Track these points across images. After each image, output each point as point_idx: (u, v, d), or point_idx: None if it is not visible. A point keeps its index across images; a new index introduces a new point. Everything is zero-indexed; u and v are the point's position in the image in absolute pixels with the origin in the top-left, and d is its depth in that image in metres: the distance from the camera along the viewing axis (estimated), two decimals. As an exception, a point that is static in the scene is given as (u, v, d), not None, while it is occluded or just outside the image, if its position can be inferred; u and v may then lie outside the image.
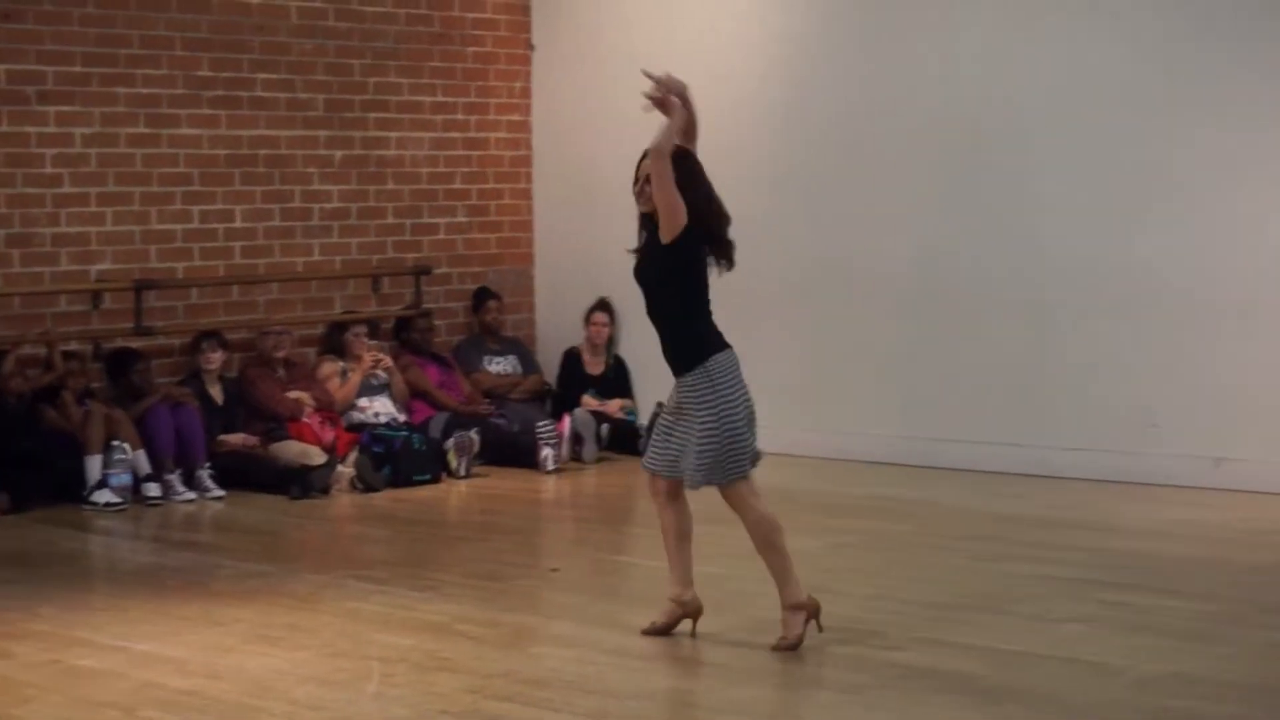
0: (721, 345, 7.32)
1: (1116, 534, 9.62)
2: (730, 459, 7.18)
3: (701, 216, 7.40)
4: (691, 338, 7.32)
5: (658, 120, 13.40)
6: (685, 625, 7.46)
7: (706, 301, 7.47)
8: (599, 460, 12.32)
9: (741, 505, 7.31)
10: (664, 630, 7.42)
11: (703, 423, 7.16)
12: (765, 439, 12.67)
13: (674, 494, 7.38)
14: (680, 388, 7.29)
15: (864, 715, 6.37)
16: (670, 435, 7.30)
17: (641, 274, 7.56)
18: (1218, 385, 10.76)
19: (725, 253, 7.57)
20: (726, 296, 12.68)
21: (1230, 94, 10.66)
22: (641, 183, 7.49)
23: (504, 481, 11.72)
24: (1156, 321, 10.94)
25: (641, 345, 13.13)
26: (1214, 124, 10.70)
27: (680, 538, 7.43)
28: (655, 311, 7.47)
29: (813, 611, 7.27)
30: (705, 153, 13.05)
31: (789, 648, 7.15)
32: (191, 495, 10.99)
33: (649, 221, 7.53)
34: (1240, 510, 10.13)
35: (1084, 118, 11.17)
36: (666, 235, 7.37)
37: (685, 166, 7.44)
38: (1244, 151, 10.61)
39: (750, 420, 7.27)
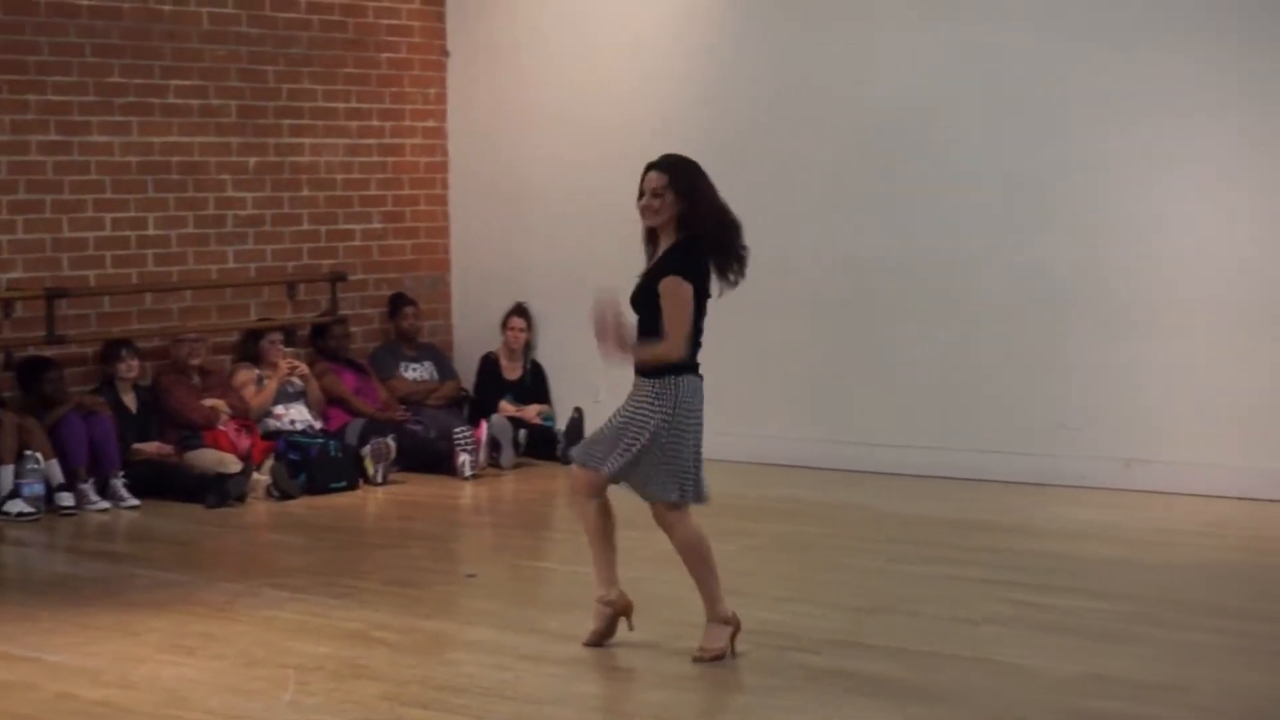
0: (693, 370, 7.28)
1: (1031, 535, 9.68)
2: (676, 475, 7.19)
3: (713, 239, 7.30)
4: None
5: (578, 125, 13.43)
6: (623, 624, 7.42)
7: (698, 335, 7.36)
8: (516, 466, 12.29)
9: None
10: (604, 636, 7.33)
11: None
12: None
13: (597, 492, 7.31)
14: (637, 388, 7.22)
15: (779, 718, 6.38)
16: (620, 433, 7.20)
17: (638, 305, 7.35)
18: (1129, 387, 10.86)
19: (736, 266, 7.43)
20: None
21: (1143, 98, 10.75)
22: (648, 196, 7.28)
23: (421, 488, 11.67)
24: (1071, 324, 11.02)
25: (559, 350, 13.17)
26: (1128, 127, 10.80)
27: (605, 537, 7.37)
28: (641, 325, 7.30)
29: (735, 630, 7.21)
30: (622, 156, 13.10)
31: (711, 659, 7.12)
32: (105, 504, 10.87)
33: (655, 237, 7.38)
34: (1151, 511, 10.24)
35: (1001, 121, 11.25)
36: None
37: (694, 184, 7.38)
38: (1158, 154, 10.71)
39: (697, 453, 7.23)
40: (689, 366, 7.24)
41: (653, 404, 7.12)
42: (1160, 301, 10.76)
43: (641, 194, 7.32)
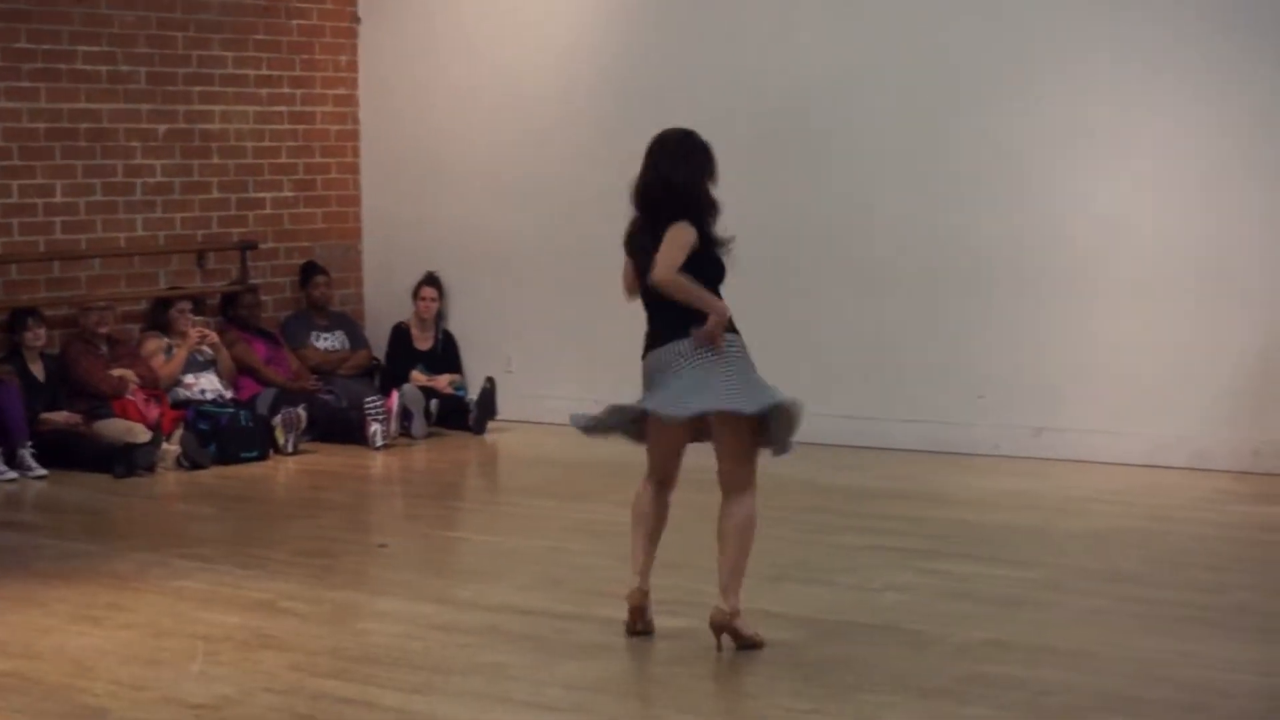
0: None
1: (941, 504, 9.77)
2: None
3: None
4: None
5: (489, 94, 13.41)
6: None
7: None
8: (428, 436, 12.28)
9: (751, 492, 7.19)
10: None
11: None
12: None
13: (670, 484, 7.29)
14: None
15: (690, 685, 6.42)
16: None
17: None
18: (1040, 356, 10.96)
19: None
20: (562, 270, 12.77)
21: (1060, 68, 10.83)
22: None
23: (332, 458, 11.65)
24: (985, 295, 11.10)
25: (470, 320, 13.17)
26: (1043, 98, 10.87)
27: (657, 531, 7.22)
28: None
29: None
30: (532, 127, 13.10)
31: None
32: (13, 474, 10.79)
33: None
34: (1059, 479, 10.34)
35: (920, 93, 11.30)
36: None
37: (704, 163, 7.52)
38: (1071, 126, 10.79)
39: None
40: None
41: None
42: (1071, 273, 10.85)
43: None
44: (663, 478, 7.32)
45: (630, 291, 7.38)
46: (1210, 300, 10.36)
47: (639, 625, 7.04)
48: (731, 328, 7.20)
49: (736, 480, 7.13)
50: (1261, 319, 9.93)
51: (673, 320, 7.19)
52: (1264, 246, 10.14)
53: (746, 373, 7.05)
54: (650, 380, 7.25)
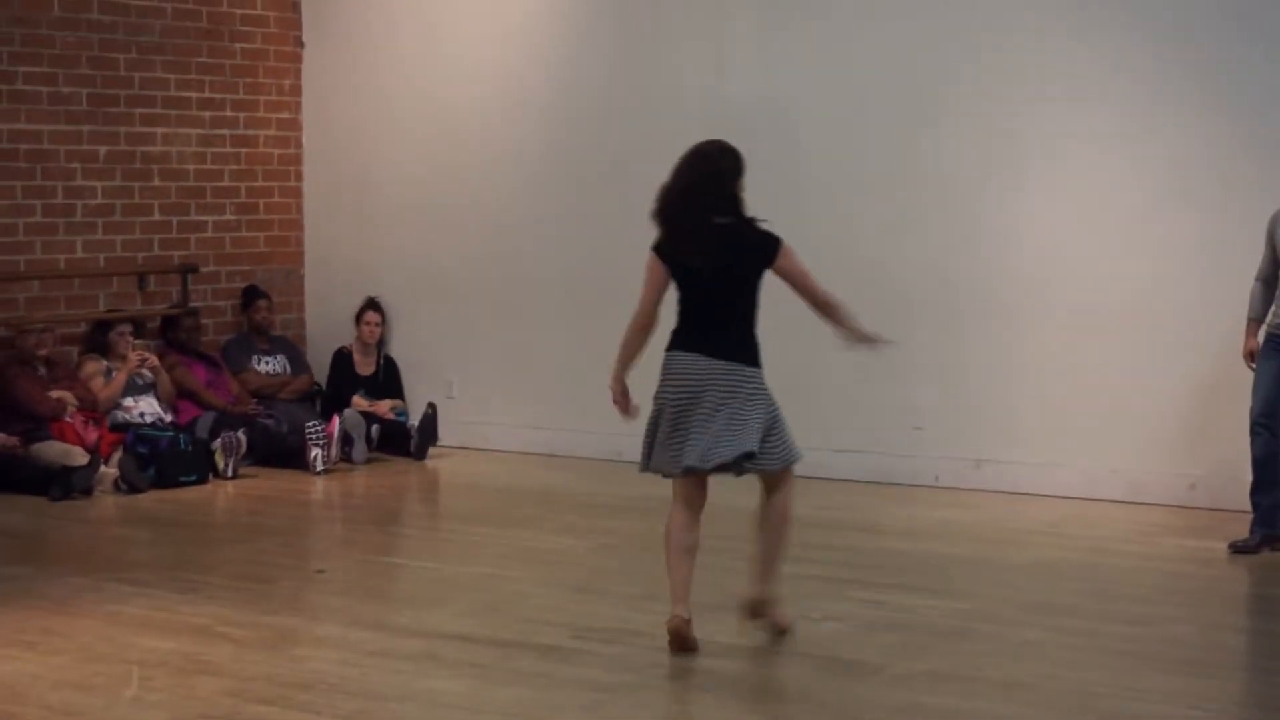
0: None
1: (880, 534, 9.80)
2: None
3: None
4: (755, 338, 7.46)
5: (432, 119, 13.41)
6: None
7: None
8: (369, 461, 12.25)
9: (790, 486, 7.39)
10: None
11: (771, 406, 7.26)
12: (537, 440, 12.75)
13: (701, 506, 7.32)
14: (743, 379, 7.29)
15: (627, 714, 6.42)
16: (743, 421, 7.17)
17: (735, 270, 7.51)
18: (979, 389, 11.01)
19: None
20: (504, 296, 12.76)
21: (994, 101, 10.90)
22: None
23: (272, 482, 11.60)
24: (924, 326, 11.13)
25: (412, 345, 13.15)
26: (979, 127, 10.94)
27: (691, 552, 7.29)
28: (736, 309, 7.50)
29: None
30: (476, 152, 13.11)
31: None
32: (-52, 497, 10.73)
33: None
34: (998, 511, 10.39)
35: (850, 121, 11.36)
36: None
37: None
38: (1008, 159, 10.86)
39: None
40: (673, 341, 7.45)
41: (761, 391, 7.38)
42: (1010, 306, 10.91)
43: None
44: (693, 501, 7.30)
45: (652, 310, 7.64)
46: (1148, 334, 10.43)
47: (685, 646, 7.09)
48: (757, 361, 7.40)
49: (778, 479, 7.37)
50: (1198, 353, 10.00)
51: (734, 337, 7.40)
52: (1201, 280, 10.22)
53: (776, 414, 7.31)
54: (686, 390, 7.32)
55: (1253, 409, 9.07)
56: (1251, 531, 9.07)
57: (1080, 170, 10.66)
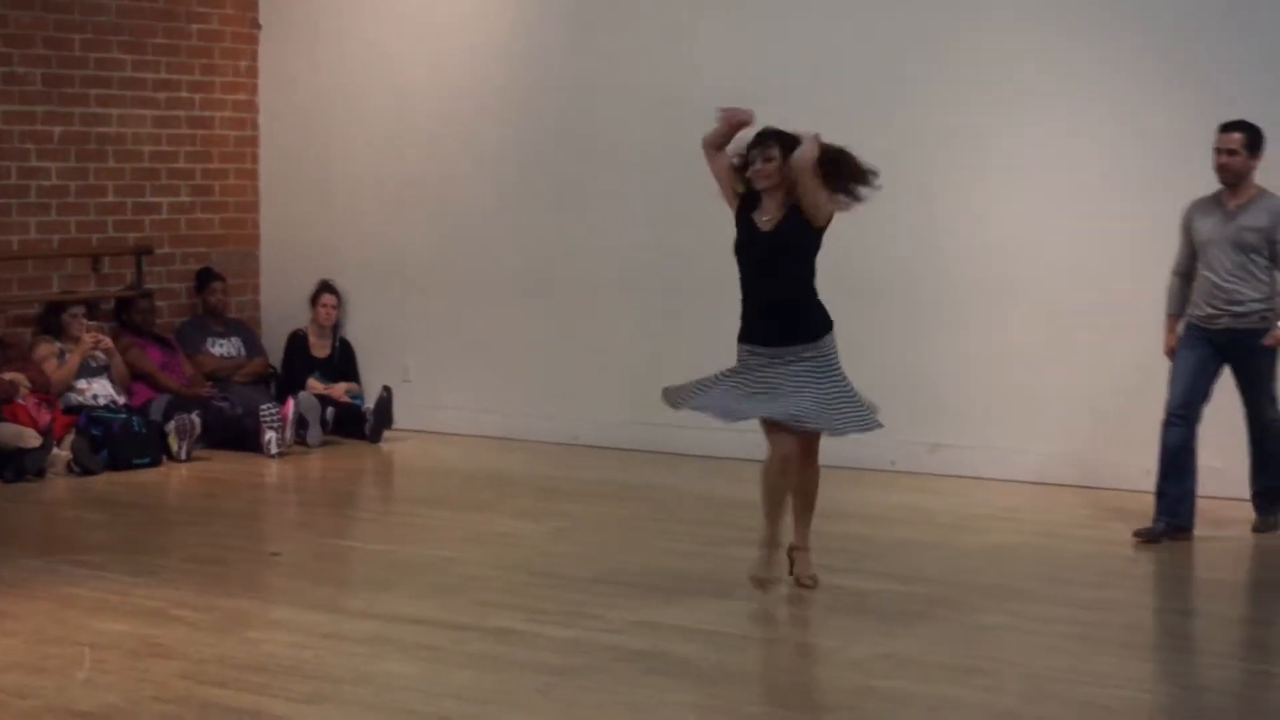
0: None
1: (836, 518, 9.74)
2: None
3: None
4: (820, 307, 7.97)
5: (389, 102, 13.37)
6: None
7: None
8: (323, 444, 12.22)
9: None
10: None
11: (841, 377, 7.92)
12: (493, 424, 12.73)
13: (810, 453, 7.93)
14: (811, 349, 7.86)
15: (580, 697, 6.41)
16: (817, 390, 7.78)
17: (784, 250, 7.88)
18: (935, 373, 11.03)
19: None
20: (461, 280, 12.73)
21: (950, 90, 10.92)
22: (761, 161, 7.83)
23: (226, 465, 11.56)
24: (878, 312, 11.14)
25: (367, 328, 13.11)
26: (934, 118, 10.95)
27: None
28: (788, 286, 7.90)
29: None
30: (432, 135, 13.07)
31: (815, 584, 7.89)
32: (-101, 478, 10.65)
33: (780, 202, 7.89)
34: (953, 495, 10.42)
35: (815, 110, 11.27)
36: (823, 220, 7.94)
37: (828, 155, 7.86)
38: (969, 145, 10.87)
39: None
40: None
41: (831, 361, 8.04)
42: (966, 291, 10.93)
43: (750, 161, 7.89)
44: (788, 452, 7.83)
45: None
46: (1102, 320, 10.47)
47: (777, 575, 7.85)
48: (822, 332, 7.93)
49: (810, 449, 7.97)
50: (1152, 339, 10.01)
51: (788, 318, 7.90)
52: (1158, 268, 10.22)
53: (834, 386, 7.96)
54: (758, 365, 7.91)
55: (1169, 400, 9.09)
56: (1155, 520, 9.09)
57: (1037, 160, 10.68)
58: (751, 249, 7.91)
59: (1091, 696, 6.43)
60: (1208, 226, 9.00)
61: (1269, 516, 9.24)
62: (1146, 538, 9.04)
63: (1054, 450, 10.66)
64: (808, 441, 7.90)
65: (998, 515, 9.87)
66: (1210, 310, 8.98)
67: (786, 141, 7.84)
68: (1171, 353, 9.22)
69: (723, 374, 7.99)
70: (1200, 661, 7.29)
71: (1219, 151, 8.96)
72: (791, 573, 7.98)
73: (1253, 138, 8.91)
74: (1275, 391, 9.09)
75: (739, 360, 7.96)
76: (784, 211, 7.84)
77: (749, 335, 7.94)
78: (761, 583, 7.77)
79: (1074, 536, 9.31)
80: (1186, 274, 9.17)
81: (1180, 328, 9.20)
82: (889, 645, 7.09)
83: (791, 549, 8.00)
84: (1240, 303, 8.90)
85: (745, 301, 7.97)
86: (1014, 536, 9.32)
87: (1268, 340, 8.90)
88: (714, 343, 11.68)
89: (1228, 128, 8.96)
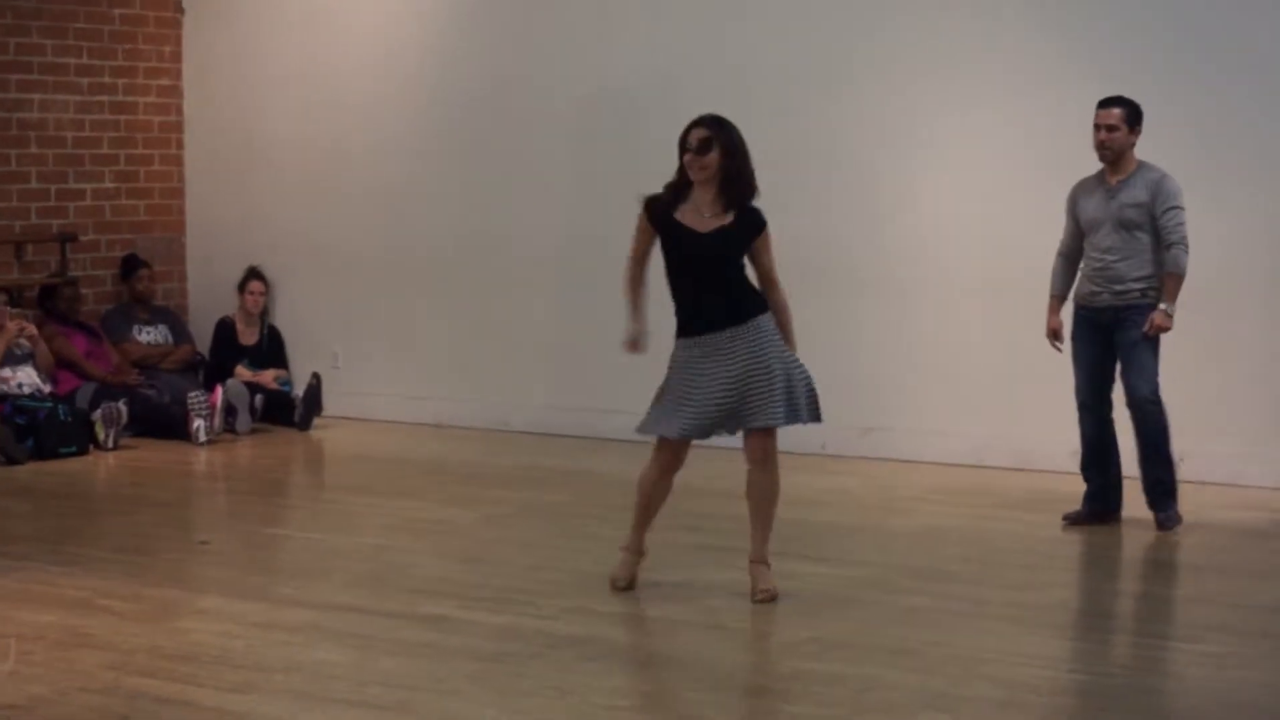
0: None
1: (766, 502, 9.79)
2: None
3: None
4: (752, 289, 7.57)
5: (313, 88, 13.25)
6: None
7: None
8: (252, 432, 12.15)
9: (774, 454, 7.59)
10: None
11: (788, 355, 7.57)
12: (423, 410, 12.68)
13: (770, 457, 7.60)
14: (751, 331, 7.46)
15: (511, 684, 6.38)
16: (769, 380, 7.44)
17: (722, 245, 7.50)
18: (867, 356, 11.06)
19: None
20: (389, 266, 12.67)
21: (887, 68, 10.94)
22: (694, 151, 7.43)
23: (154, 454, 11.47)
24: (811, 295, 11.11)
25: (295, 316, 13.04)
26: (872, 101, 10.97)
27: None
28: (722, 278, 7.51)
29: None
30: (356, 122, 12.98)
31: (772, 598, 7.44)
32: None
33: (713, 198, 7.51)
34: (885, 478, 10.45)
35: (743, 94, 11.31)
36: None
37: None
38: (897, 126, 10.91)
39: None
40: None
41: (775, 339, 7.63)
42: (898, 273, 10.97)
43: (687, 149, 7.47)
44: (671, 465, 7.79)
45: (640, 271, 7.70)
46: (1035, 301, 10.45)
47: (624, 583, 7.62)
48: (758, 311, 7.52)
49: (764, 454, 7.60)
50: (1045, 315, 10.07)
51: (721, 306, 7.49)
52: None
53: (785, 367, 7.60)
54: (695, 364, 7.52)
55: (1077, 388, 9.11)
56: (1083, 505, 9.14)
57: (970, 139, 10.72)
58: (693, 252, 7.47)
59: (1020, 677, 6.45)
60: (1090, 206, 8.96)
61: (1167, 513, 8.98)
62: (1073, 520, 9.09)
63: (984, 432, 10.71)
64: (766, 444, 7.62)
65: (930, 498, 9.90)
66: (1093, 288, 8.94)
67: (725, 129, 7.54)
68: (1053, 333, 9.16)
69: (681, 388, 7.58)
70: (1130, 641, 7.33)
71: (1098, 128, 8.90)
72: (752, 589, 7.55)
73: (1132, 112, 8.87)
74: (1153, 372, 8.87)
75: (686, 363, 7.56)
76: (719, 209, 7.50)
77: (684, 328, 7.54)
78: (613, 583, 7.63)
79: (1003, 518, 9.35)
80: (1069, 254, 9.13)
81: (1069, 311, 9.13)
82: (819, 628, 7.10)
83: (751, 562, 7.57)
84: (1121, 281, 8.85)
85: (685, 299, 7.54)
86: (944, 519, 9.35)
87: (1148, 330, 8.76)
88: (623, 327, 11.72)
89: (1106, 103, 8.91)
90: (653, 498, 7.70)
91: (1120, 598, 8.13)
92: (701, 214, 7.48)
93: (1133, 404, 8.92)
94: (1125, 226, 8.84)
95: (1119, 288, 8.86)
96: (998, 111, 10.64)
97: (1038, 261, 10.46)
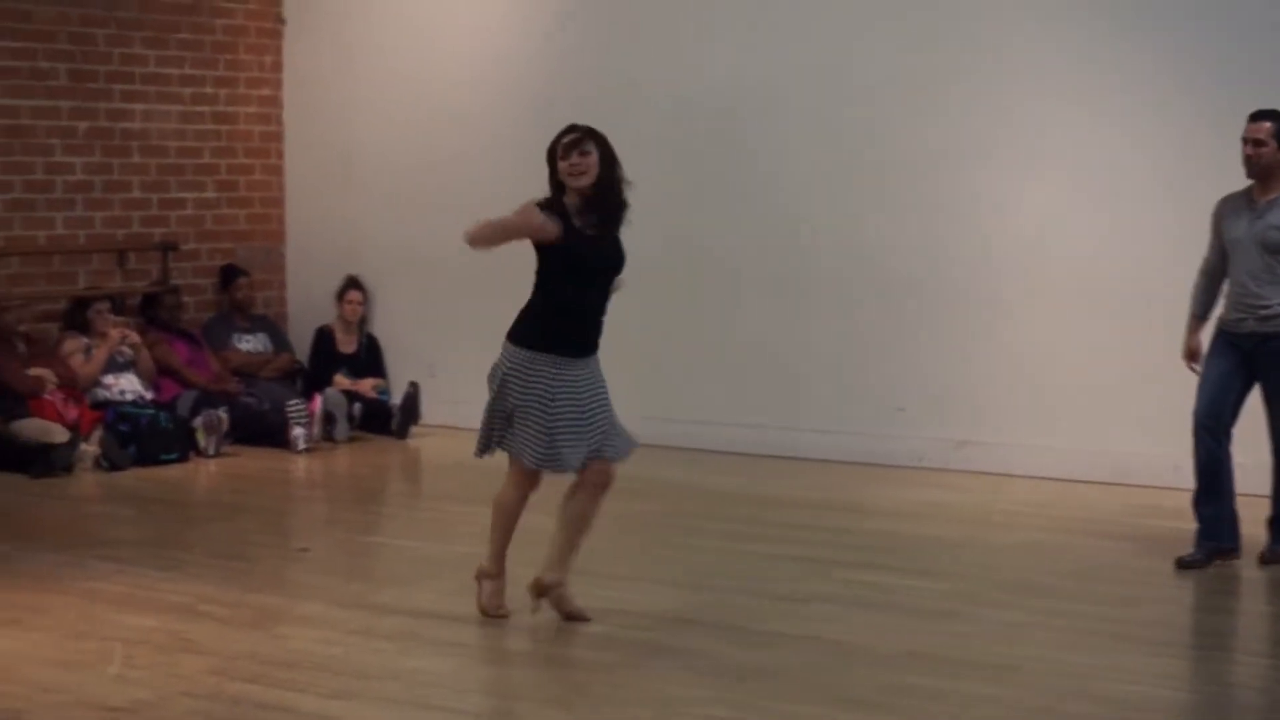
0: None
1: (864, 515, 9.78)
2: None
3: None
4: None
5: (414, 98, 13.33)
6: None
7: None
8: (350, 440, 12.22)
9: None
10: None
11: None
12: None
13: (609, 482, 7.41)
14: (588, 366, 7.48)
15: (611, 694, 6.39)
16: (603, 415, 7.39)
17: (609, 259, 7.49)
18: (963, 369, 11.01)
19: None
20: (486, 275, 12.72)
21: (980, 80, 10.88)
22: (575, 155, 7.33)
23: (253, 461, 11.56)
24: (907, 308, 11.14)
25: (394, 324, 13.11)
26: (967, 112, 10.92)
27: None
28: (600, 297, 7.51)
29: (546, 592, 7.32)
30: (457, 131, 13.03)
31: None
32: (-73, 474, 10.66)
33: (592, 205, 7.39)
34: (980, 492, 10.38)
35: (841, 105, 11.33)
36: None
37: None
38: (993, 138, 10.85)
39: None
40: None
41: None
42: (994, 286, 10.91)
43: (566, 154, 7.35)
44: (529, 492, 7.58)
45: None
46: (1133, 315, 10.42)
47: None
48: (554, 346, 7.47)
49: (609, 481, 7.45)
50: (1181, 335, 9.99)
51: (592, 331, 7.51)
52: (1189, 263, 10.18)
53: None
54: (573, 387, 7.37)
55: (1196, 409, 8.53)
56: (1197, 545, 8.55)
57: (1070, 153, 10.65)
58: (591, 259, 7.39)
59: (1122, 695, 6.40)
60: (1235, 225, 8.41)
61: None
62: (1189, 564, 8.49)
63: (1083, 447, 10.63)
64: (614, 472, 7.44)
65: (1026, 512, 9.84)
66: (1236, 314, 8.42)
67: (598, 137, 7.40)
68: (1191, 354, 8.71)
69: (544, 415, 7.41)
70: (1232, 659, 7.25)
71: (1246, 141, 8.33)
72: (566, 613, 7.33)
73: None
74: None
75: (541, 382, 7.47)
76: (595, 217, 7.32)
77: (563, 347, 7.43)
78: (494, 611, 7.36)
79: (1103, 534, 9.27)
80: (1212, 273, 8.62)
81: (1210, 331, 8.63)
82: (918, 642, 7.07)
83: (556, 585, 7.30)
84: (1266, 306, 8.29)
85: (565, 312, 7.49)
86: (1042, 534, 9.29)
87: None
88: (725, 338, 11.73)
89: (1257, 117, 8.35)
90: (513, 519, 7.49)
91: (1223, 614, 8.03)
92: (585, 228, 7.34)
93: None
94: (1270, 249, 8.26)
95: (1264, 313, 8.29)
96: (1089, 122, 10.55)
97: (1134, 273, 10.43)
